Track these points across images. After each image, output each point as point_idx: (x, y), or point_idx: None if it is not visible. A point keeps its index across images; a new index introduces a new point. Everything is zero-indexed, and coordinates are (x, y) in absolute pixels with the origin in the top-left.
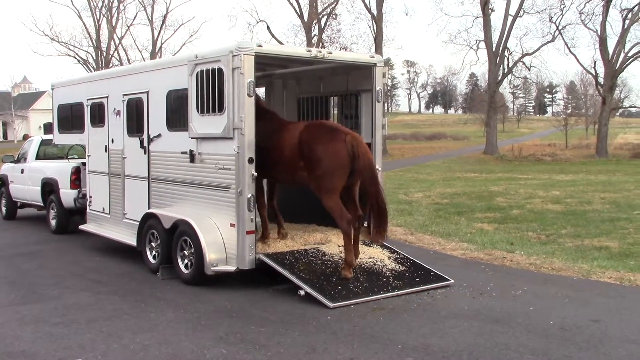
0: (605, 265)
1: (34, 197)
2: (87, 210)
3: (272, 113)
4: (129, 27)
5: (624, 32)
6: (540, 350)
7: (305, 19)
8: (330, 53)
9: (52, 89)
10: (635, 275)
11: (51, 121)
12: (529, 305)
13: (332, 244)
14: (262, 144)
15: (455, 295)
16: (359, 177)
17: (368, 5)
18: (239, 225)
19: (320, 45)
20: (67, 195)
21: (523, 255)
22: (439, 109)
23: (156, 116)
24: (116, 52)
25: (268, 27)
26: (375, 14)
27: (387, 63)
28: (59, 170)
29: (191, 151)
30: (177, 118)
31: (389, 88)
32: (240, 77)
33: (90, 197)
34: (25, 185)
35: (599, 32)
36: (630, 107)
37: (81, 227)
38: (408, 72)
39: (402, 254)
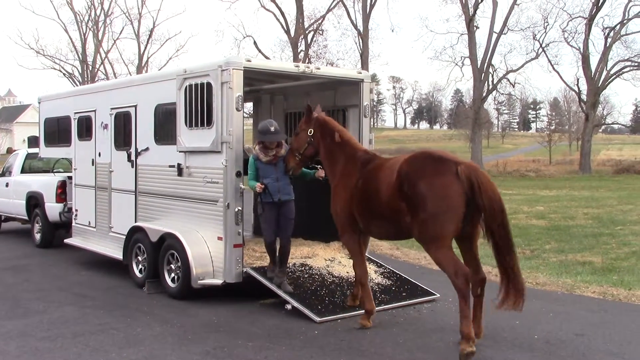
0: (589, 280)
1: (19, 210)
2: (73, 224)
3: (369, 153)
4: (115, 41)
5: (606, 50)
6: None
7: (292, 35)
8: (318, 69)
9: (39, 103)
10: (618, 290)
11: (35, 134)
12: (514, 319)
13: (318, 257)
14: (358, 193)
15: (442, 309)
16: (483, 219)
17: (354, 22)
18: (226, 238)
19: (307, 61)
20: (53, 209)
21: None
22: (424, 125)
23: (144, 130)
24: (102, 65)
25: (255, 43)
26: (361, 30)
27: (373, 79)
28: (45, 184)
29: (179, 165)
30: (165, 132)
31: (374, 103)
32: (229, 91)
33: (76, 210)
34: (10, 198)
35: (581, 50)
36: (612, 123)
37: (66, 240)
38: (394, 87)
39: (389, 269)
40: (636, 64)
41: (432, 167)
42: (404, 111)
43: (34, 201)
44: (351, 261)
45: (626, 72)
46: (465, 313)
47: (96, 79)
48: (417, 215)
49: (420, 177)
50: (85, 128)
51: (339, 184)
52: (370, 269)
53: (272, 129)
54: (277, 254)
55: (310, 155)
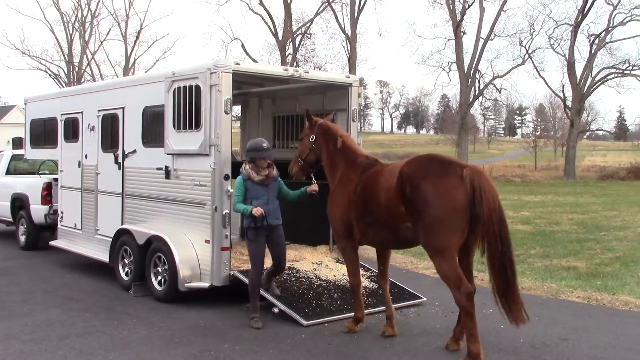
0: (574, 284)
1: (4, 212)
2: (59, 226)
3: (370, 158)
4: (102, 43)
5: (591, 57)
6: None
7: (280, 38)
8: (307, 72)
9: (26, 104)
10: (602, 295)
11: (20, 135)
12: (499, 323)
13: (306, 261)
14: (356, 199)
15: (428, 314)
16: (482, 228)
17: (342, 26)
18: (213, 241)
19: (295, 64)
20: (38, 211)
21: None
22: (411, 129)
23: (131, 132)
24: (89, 67)
25: (243, 45)
26: (349, 34)
27: (361, 83)
28: (30, 185)
29: (167, 167)
30: (152, 134)
31: (362, 108)
32: (218, 94)
33: (62, 212)
34: None
35: (567, 56)
36: (597, 130)
37: (52, 243)
38: (381, 92)
39: (376, 272)
40: (620, 70)
41: (436, 168)
42: (390, 116)
43: (19, 203)
44: (339, 265)
45: (611, 79)
46: (472, 331)
47: (83, 80)
48: (420, 219)
49: (423, 178)
50: (72, 130)
51: (337, 189)
52: None
53: (265, 145)
54: (272, 267)
55: (312, 162)
